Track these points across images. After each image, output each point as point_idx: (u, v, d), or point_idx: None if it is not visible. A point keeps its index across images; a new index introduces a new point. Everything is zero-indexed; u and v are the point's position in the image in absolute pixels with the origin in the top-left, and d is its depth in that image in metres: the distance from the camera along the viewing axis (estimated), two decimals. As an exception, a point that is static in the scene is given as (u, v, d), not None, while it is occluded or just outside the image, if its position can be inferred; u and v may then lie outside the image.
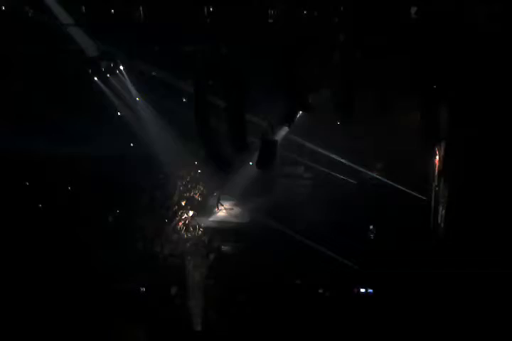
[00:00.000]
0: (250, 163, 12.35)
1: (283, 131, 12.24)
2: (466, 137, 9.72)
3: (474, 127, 9.56)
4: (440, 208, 10.73)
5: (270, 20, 11.79)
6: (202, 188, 12.85)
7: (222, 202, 12.98)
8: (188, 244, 11.46)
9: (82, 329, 8.85)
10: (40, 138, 11.11)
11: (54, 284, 9.50)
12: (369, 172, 12.88)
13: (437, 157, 11.11)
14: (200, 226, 12.15)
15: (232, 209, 13.02)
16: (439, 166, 11.06)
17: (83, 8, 11.33)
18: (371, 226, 11.90)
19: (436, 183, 11.15)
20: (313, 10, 11.61)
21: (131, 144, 12.48)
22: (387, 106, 11.83)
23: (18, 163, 11.14)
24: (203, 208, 12.84)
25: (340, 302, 10.01)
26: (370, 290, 10.21)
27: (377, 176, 12.78)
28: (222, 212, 12.96)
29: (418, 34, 10.53)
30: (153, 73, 12.09)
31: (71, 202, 11.41)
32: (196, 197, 12.76)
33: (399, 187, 12.24)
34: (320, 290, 10.38)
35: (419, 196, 11.99)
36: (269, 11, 11.89)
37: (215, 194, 12.96)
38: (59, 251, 10.20)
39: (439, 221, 10.75)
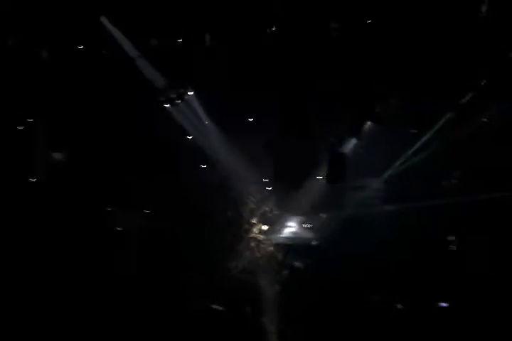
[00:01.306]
0: (319, 177, 12.22)
1: (352, 143, 12.01)
2: None
3: None
4: None
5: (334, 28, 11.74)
6: (272, 205, 12.84)
7: (289, 219, 12.84)
8: (260, 261, 11.47)
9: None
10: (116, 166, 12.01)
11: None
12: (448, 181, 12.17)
13: None
14: (271, 243, 12.11)
15: (302, 225, 12.84)
16: None
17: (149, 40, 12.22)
18: (452, 238, 11.16)
19: None
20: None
21: (203, 166, 12.83)
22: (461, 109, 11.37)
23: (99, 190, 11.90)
24: (274, 225, 12.78)
25: (419, 318, 9.44)
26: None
27: (457, 184, 12.03)
28: (293, 228, 12.81)
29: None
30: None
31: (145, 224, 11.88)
32: (267, 214, 12.77)
33: (483, 194, 11.41)
34: (399, 306, 9.88)
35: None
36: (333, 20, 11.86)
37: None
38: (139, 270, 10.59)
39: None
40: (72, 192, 11.77)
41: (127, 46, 12.19)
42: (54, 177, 12.03)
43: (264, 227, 12.47)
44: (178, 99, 12.82)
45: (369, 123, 11.82)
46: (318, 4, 11.34)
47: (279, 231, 12.65)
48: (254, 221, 12.49)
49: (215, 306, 10.43)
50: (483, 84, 10.88)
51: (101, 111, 12.33)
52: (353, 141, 12.05)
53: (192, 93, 12.90)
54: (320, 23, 11.37)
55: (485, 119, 11.41)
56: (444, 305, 9.58)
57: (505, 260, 9.91)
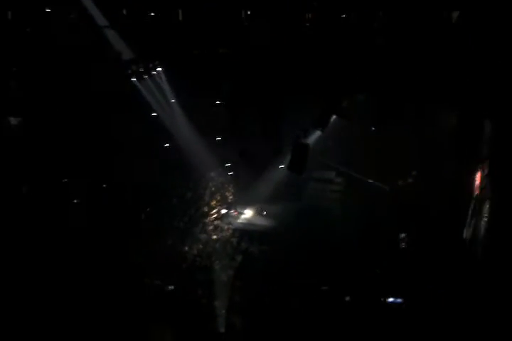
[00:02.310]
0: (281, 166, 12.38)
1: (315, 135, 12.19)
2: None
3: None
4: (480, 227, 10.17)
5: (307, 24, 11.91)
6: (232, 190, 12.94)
7: (248, 206, 12.95)
8: (216, 245, 11.57)
9: (104, 324, 9.06)
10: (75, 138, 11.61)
11: (83, 278, 9.80)
12: (402, 179, 12.61)
13: (479, 173, 10.50)
14: (228, 228, 12.23)
15: (259, 212, 13.01)
16: (480, 183, 10.47)
17: (120, 10, 11.85)
18: (403, 235, 11.62)
19: (475, 199, 10.57)
20: (352, 14, 11.64)
21: (166, 145, 12.71)
22: (424, 112, 11.72)
23: (53, 160, 11.57)
24: (232, 210, 12.90)
25: (366, 311, 9.83)
26: (398, 300, 9.98)
27: (411, 183, 12.49)
28: (251, 215, 12.98)
29: (460, 40, 10.34)
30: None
31: (103, 200, 11.70)
32: (226, 198, 12.87)
33: (432, 196, 11.87)
34: (347, 298, 10.24)
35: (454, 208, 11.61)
36: (306, 15, 12.04)
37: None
38: (91, 247, 10.46)
39: (477, 238, 10.26)
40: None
41: (96, 14, 11.77)
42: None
43: (222, 212, 12.59)
44: (145, 74, 12.58)
45: (334, 117, 11.97)
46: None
47: (237, 216, 12.85)
48: (213, 204, 12.57)
49: (166, 286, 10.46)
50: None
51: (64, 79, 11.93)
52: (317, 134, 12.20)
53: (160, 69, 12.69)
54: (291, 18, 11.37)
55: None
56: (391, 300, 9.98)
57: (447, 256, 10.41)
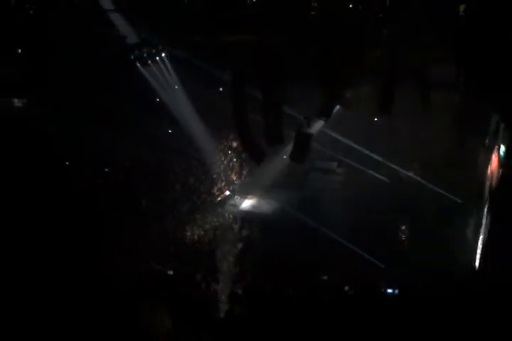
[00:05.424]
0: (284, 156, 12.38)
1: (319, 125, 12.18)
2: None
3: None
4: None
5: (313, 13, 11.88)
6: (235, 177, 12.95)
7: (251, 193, 12.93)
8: (217, 231, 11.58)
9: (106, 309, 9.05)
10: (80, 121, 11.58)
11: (85, 263, 9.79)
12: (404, 172, 12.64)
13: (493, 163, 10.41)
14: (230, 214, 12.24)
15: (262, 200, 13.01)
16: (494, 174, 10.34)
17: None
18: (403, 227, 11.67)
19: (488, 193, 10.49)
20: (358, 4, 11.60)
21: (169, 131, 12.69)
22: (430, 103, 11.66)
23: (59, 143, 11.53)
24: (234, 197, 12.91)
25: (365, 301, 9.87)
26: (396, 291, 10.02)
27: (414, 176, 12.52)
28: (253, 202, 12.98)
29: (466, 32, 10.28)
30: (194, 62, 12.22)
31: (106, 185, 11.69)
32: (229, 185, 12.87)
33: (437, 189, 11.89)
34: (346, 288, 10.27)
35: (460, 201, 11.65)
36: (313, 4, 12.01)
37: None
38: (92, 229, 10.45)
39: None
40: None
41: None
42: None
43: (225, 198, 12.59)
44: (149, 59, 12.50)
45: (338, 107, 11.95)
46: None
47: (239, 203, 12.89)
48: (215, 190, 12.58)
49: (166, 270, 10.47)
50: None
51: (67, 64, 11.85)
52: (321, 123, 12.20)
53: (164, 54, 12.62)
54: (297, 6, 11.34)
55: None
56: (390, 291, 10.02)
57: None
